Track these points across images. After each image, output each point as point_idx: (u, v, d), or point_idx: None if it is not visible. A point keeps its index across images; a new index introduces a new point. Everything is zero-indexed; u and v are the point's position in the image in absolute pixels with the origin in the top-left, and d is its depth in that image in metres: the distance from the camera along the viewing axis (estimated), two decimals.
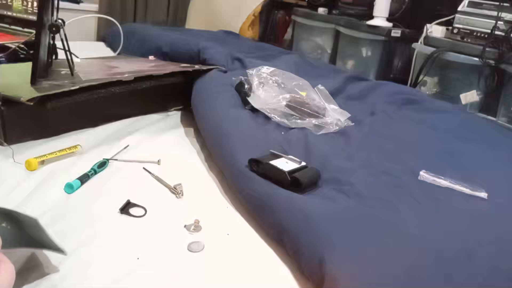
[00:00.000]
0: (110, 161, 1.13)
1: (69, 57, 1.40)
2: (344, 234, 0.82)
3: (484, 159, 1.18)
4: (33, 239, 0.73)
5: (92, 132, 1.30)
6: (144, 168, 1.13)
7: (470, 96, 1.67)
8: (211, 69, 1.59)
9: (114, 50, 2.13)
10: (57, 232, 0.79)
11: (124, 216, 0.92)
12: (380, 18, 1.97)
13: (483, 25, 1.63)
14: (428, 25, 1.82)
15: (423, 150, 1.21)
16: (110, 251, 0.81)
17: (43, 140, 1.20)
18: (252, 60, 1.70)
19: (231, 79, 1.50)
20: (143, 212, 0.94)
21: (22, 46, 1.55)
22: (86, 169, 1.06)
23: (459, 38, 1.71)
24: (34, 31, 1.29)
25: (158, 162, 1.16)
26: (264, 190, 0.96)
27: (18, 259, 0.76)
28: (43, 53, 1.29)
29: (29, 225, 0.73)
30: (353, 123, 1.39)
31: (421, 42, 1.82)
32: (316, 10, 2.30)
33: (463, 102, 1.68)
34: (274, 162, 1.01)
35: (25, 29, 1.80)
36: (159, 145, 1.28)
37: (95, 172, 1.07)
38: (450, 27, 1.74)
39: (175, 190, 1.04)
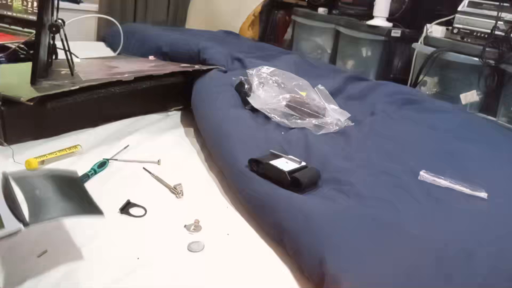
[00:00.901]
0: (110, 161, 1.13)
1: (69, 57, 1.40)
2: (344, 234, 0.82)
3: (484, 159, 1.18)
4: (69, 202, 0.73)
5: (92, 132, 1.30)
6: (144, 168, 1.13)
7: (470, 96, 1.66)
8: (211, 69, 1.59)
9: (114, 50, 2.13)
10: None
11: (124, 216, 0.93)
12: (380, 18, 1.97)
13: (483, 25, 1.63)
14: (428, 25, 1.81)
15: (423, 150, 1.21)
16: (110, 251, 0.81)
17: (43, 140, 1.20)
18: (252, 60, 1.70)
19: (231, 79, 1.50)
20: (143, 212, 0.94)
21: (22, 46, 1.55)
22: (86, 169, 1.06)
23: (459, 38, 1.71)
24: (34, 31, 1.29)
25: (158, 162, 1.17)
26: (264, 190, 0.96)
27: (19, 258, 0.76)
28: (43, 53, 1.29)
29: (69, 183, 0.74)
30: (353, 123, 1.39)
31: (421, 42, 1.81)
32: (316, 10, 2.30)
33: (463, 102, 1.67)
34: (274, 162, 1.01)
35: (25, 29, 1.80)
36: (159, 145, 1.28)
37: (95, 172, 1.07)
38: (450, 27, 1.74)
39: (175, 190, 1.04)
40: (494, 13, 1.59)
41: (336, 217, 0.86)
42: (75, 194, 0.75)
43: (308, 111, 1.37)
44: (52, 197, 0.71)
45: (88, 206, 0.75)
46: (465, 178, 1.04)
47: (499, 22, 1.58)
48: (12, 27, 1.84)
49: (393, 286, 0.72)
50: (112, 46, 2.20)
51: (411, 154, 1.17)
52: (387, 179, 1.03)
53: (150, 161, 1.16)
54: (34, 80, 1.23)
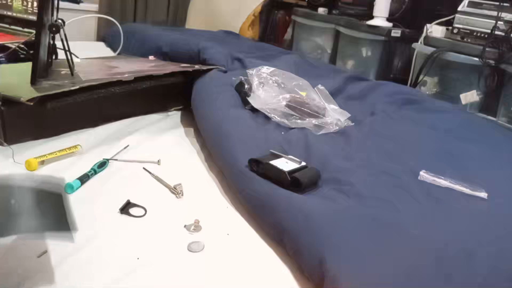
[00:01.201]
0: (110, 161, 1.13)
1: (69, 57, 1.40)
2: (344, 234, 0.82)
3: (484, 159, 1.18)
4: (43, 220, 0.70)
5: (92, 132, 1.30)
6: (144, 168, 1.13)
7: (470, 96, 1.66)
8: (211, 69, 1.59)
9: (114, 50, 2.13)
10: None
11: (124, 216, 0.93)
12: (380, 18, 1.97)
13: (483, 25, 1.63)
14: (428, 25, 1.81)
15: (423, 150, 1.21)
16: (110, 251, 0.81)
17: (43, 140, 1.20)
18: (252, 60, 1.70)
19: (231, 79, 1.50)
20: (143, 212, 0.94)
21: (22, 46, 1.55)
22: (86, 169, 1.06)
23: (459, 38, 1.71)
24: (34, 31, 1.29)
25: (158, 162, 1.17)
26: (264, 190, 0.96)
27: (19, 258, 0.76)
28: (43, 53, 1.29)
29: (49, 200, 0.72)
30: (353, 123, 1.39)
31: (421, 42, 1.82)
32: (316, 10, 2.30)
33: (463, 102, 1.67)
34: (274, 162, 1.01)
35: (25, 29, 1.80)
36: (159, 145, 1.28)
37: (95, 172, 1.07)
38: (450, 27, 1.74)
39: (175, 190, 1.04)
40: (494, 13, 1.59)
41: (336, 217, 0.86)
42: (53, 211, 0.73)
43: (308, 111, 1.37)
44: (26, 211, 0.67)
45: (62, 226, 0.72)
46: (465, 178, 1.04)
47: (499, 22, 1.58)
48: (12, 27, 1.84)
49: (393, 286, 0.72)
50: (112, 46, 2.20)
51: (411, 154, 1.17)
52: (387, 179, 1.03)
53: (150, 161, 1.16)
54: (34, 80, 1.23)
